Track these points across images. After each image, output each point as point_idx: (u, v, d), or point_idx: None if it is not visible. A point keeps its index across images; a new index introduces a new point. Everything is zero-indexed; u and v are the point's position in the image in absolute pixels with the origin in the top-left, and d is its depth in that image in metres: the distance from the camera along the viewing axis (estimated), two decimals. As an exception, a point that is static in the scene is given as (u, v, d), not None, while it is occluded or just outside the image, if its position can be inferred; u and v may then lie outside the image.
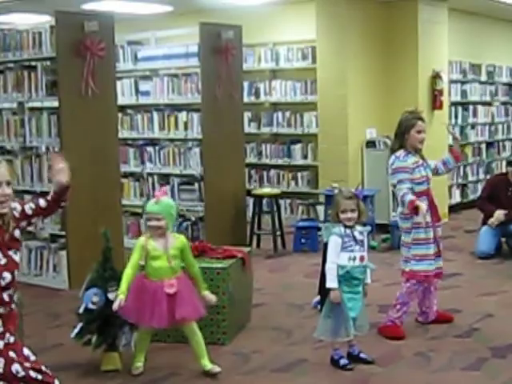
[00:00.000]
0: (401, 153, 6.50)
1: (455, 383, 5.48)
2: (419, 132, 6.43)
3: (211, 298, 5.70)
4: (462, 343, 6.37)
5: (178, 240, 5.63)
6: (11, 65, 8.54)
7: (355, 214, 5.68)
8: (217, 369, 5.59)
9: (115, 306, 5.30)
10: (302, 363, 5.95)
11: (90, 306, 5.64)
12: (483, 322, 6.93)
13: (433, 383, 5.49)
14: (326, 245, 5.88)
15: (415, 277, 6.46)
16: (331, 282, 5.63)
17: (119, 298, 5.31)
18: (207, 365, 5.59)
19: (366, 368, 5.79)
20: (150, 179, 10.40)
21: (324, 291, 5.86)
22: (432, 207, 6.47)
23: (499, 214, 9.50)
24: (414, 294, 6.53)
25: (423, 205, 6.12)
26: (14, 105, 8.65)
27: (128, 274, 5.43)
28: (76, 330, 5.70)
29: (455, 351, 6.14)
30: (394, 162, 6.51)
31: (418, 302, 6.78)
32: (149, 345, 5.76)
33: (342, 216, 5.67)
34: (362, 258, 5.69)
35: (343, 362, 5.79)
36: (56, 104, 8.11)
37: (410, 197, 6.18)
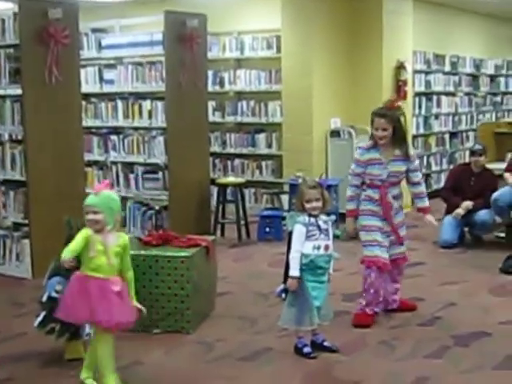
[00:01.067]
0: (367, 145, 6.56)
1: (418, 371, 5.51)
2: (376, 129, 6.38)
3: (142, 308, 5.27)
4: (425, 331, 6.44)
5: (121, 238, 5.17)
6: (-26, 52, 8.49)
7: (320, 204, 5.71)
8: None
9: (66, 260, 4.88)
10: (266, 352, 5.97)
11: (54, 294, 5.61)
12: (446, 311, 7.01)
13: (396, 371, 5.53)
14: (290, 234, 5.92)
15: (365, 262, 6.53)
16: (294, 271, 5.66)
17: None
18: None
19: (330, 356, 5.83)
20: (114, 168, 10.37)
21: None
22: (383, 203, 6.44)
23: (467, 204, 9.59)
24: (369, 279, 6.50)
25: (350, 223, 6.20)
26: (-22, 92, 8.61)
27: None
28: (39, 319, 5.68)
29: (418, 339, 6.20)
30: (356, 151, 6.59)
31: None
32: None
33: (306, 205, 5.70)
34: (326, 247, 5.72)
35: (307, 350, 5.83)
36: (19, 92, 8.05)
37: (347, 206, 6.44)
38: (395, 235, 6.53)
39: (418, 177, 6.62)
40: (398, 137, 6.40)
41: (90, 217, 5.01)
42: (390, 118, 6.35)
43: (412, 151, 6.64)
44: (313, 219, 5.71)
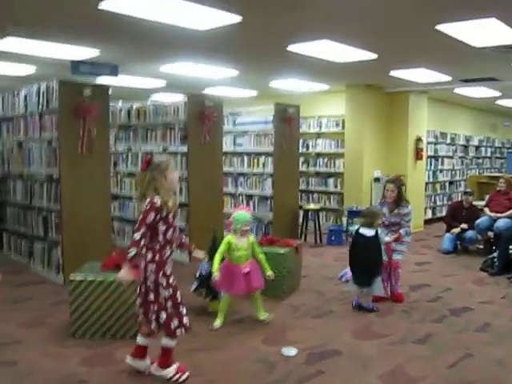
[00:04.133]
0: (379, 202, 6.54)
1: (426, 330, 5.37)
2: (387, 191, 6.32)
3: (271, 274, 5.52)
4: (431, 305, 6.27)
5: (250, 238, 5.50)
6: (160, 125, 8.69)
7: None
8: (267, 318, 5.56)
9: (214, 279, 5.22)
10: (330, 313, 5.91)
11: (203, 272, 5.70)
12: (444, 293, 6.82)
13: (412, 329, 5.40)
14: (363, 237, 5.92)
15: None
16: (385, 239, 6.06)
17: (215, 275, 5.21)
18: (261, 315, 5.57)
19: (369, 317, 5.75)
20: (241, 197, 10.46)
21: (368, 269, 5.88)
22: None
23: (463, 226, 9.43)
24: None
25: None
26: (161, 149, 8.78)
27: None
28: (194, 287, 5.77)
29: (427, 310, 6.05)
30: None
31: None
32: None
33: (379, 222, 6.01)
34: None
35: (375, 308, 5.95)
36: (185, 150, 8.21)
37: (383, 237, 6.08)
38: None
39: (404, 226, 6.23)
40: (399, 198, 6.27)
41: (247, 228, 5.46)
42: (395, 185, 6.28)
43: (407, 209, 6.27)
44: None
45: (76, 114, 6.73)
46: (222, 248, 5.35)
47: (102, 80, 8.15)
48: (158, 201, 3.83)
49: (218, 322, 5.40)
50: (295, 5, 5.41)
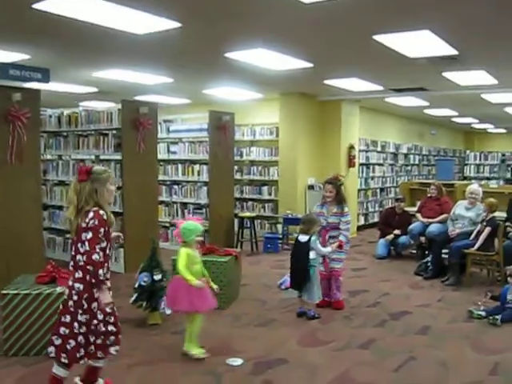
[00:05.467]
0: (320, 202, 6.48)
1: (369, 335, 5.43)
2: (325, 191, 6.33)
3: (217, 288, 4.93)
4: (371, 311, 6.36)
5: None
6: (92, 132, 8.46)
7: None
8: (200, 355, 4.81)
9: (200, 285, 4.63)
10: (273, 321, 5.89)
11: (142, 283, 5.56)
12: (383, 298, 6.93)
13: (355, 334, 5.45)
14: (305, 243, 5.89)
15: None
16: (325, 251, 6.03)
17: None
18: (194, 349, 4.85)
19: (313, 324, 5.77)
20: (175, 205, 10.34)
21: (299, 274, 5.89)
22: (323, 240, 6.24)
23: (396, 232, 9.64)
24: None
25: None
26: (93, 157, 8.55)
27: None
28: (133, 298, 5.61)
29: (367, 315, 6.13)
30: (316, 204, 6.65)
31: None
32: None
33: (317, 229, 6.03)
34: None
35: (317, 315, 5.95)
36: (120, 157, 8.03)
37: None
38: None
39: (343, 227, 6.23)
40: (339, 198, 6.29)
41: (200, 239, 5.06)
42: (334, 185, 6.29)
43: (347, 209, 6.30)
44: None
45: (5, 119, 6.47)
46: (184, 262, 4.65)
47: (32, 85, 7.85)
48: (103, 214, 3.58)
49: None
50: (233, 13, 5.39)
